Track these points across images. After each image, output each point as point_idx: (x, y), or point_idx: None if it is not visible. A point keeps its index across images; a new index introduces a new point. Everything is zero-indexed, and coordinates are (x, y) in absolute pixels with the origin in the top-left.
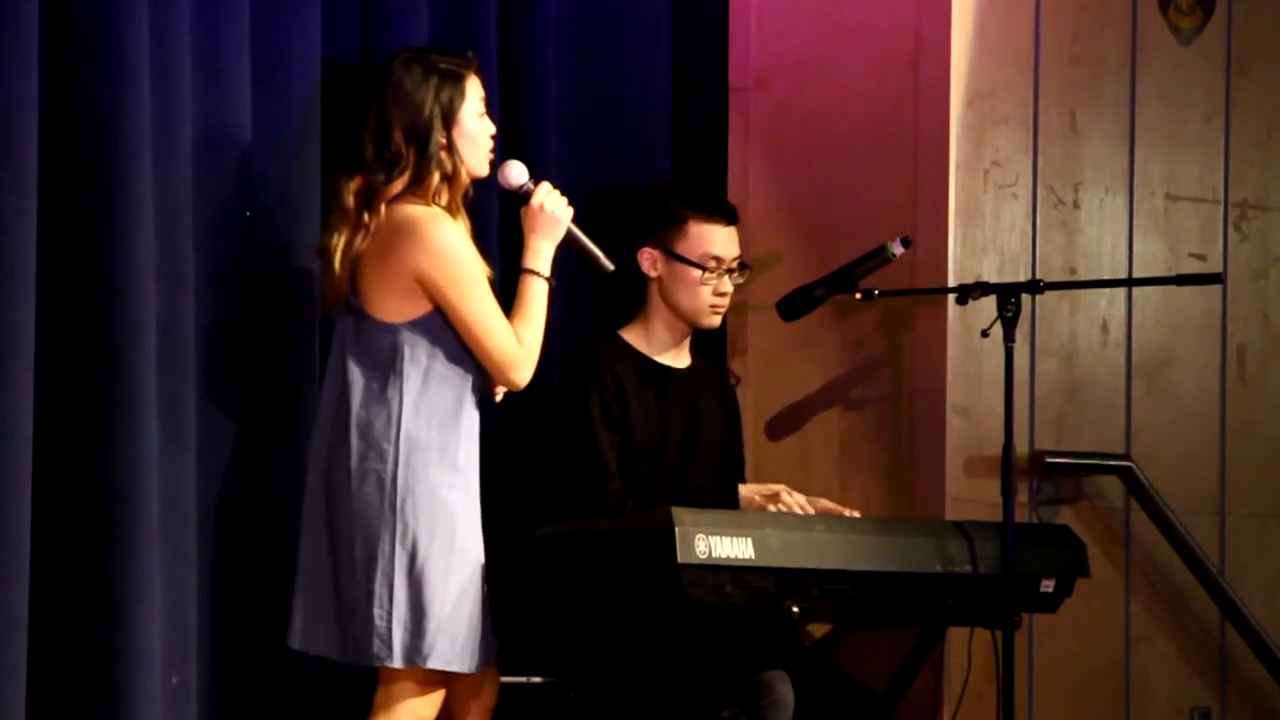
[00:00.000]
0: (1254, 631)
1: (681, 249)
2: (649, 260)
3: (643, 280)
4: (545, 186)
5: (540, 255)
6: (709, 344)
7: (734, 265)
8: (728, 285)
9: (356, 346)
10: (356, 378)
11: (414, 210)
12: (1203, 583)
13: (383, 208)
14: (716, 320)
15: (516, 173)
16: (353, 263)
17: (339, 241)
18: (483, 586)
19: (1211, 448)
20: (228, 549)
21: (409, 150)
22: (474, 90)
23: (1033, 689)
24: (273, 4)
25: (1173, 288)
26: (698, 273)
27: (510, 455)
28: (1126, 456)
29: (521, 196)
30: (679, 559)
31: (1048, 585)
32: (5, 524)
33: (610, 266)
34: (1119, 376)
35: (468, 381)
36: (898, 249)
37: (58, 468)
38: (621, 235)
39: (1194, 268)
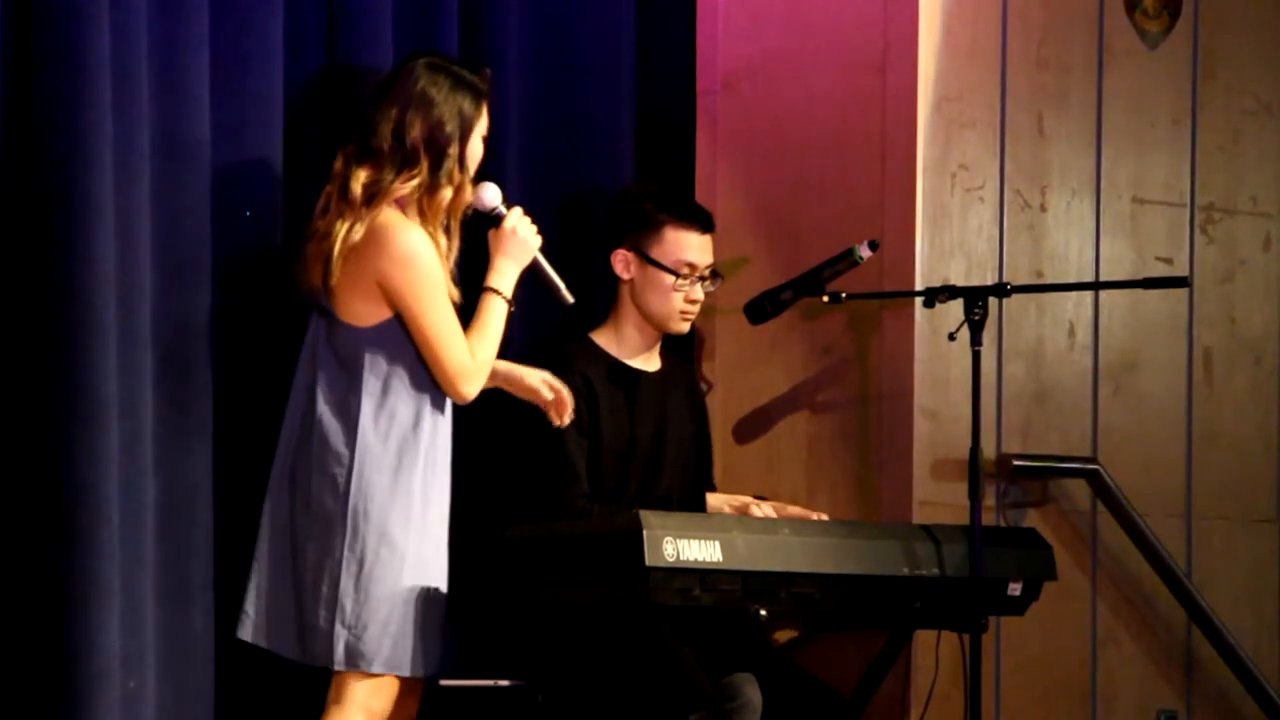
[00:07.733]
0: (1220, 634)
1: (656, 254)
2: (622, 262)
3: (614, 282)
4: (518, 211)
5: (504, 276)
6: (677, 347)
7: (707, 273)
8: (699, 293)
9: (326, 349)
10: (323, 380)
11: (389, 216)
12: (1169, 586)
13: (382, 207)
14: (685, 327)
15: (490, 194)
16: (326, 260)
17: (341, 229)
18: (435, 594)
19: (1178, 451)
20: (186, 551)
21: (425, 158)
22: (485, 114)
23: (1000, 691)
24: (232, 5)
25: (1139, 291)
26: (670, 279)
27: (480, 457)
28: (1093, 460)
29: (493, 219)
30: (647, 561)
31: (1015, 588)
32: None
33: (570, 299)
34: (1086, 380)
35: (427, 391)
36: (865, 252)
37: (17, 470)
38: (594, 236)
39: (1161, 271)
